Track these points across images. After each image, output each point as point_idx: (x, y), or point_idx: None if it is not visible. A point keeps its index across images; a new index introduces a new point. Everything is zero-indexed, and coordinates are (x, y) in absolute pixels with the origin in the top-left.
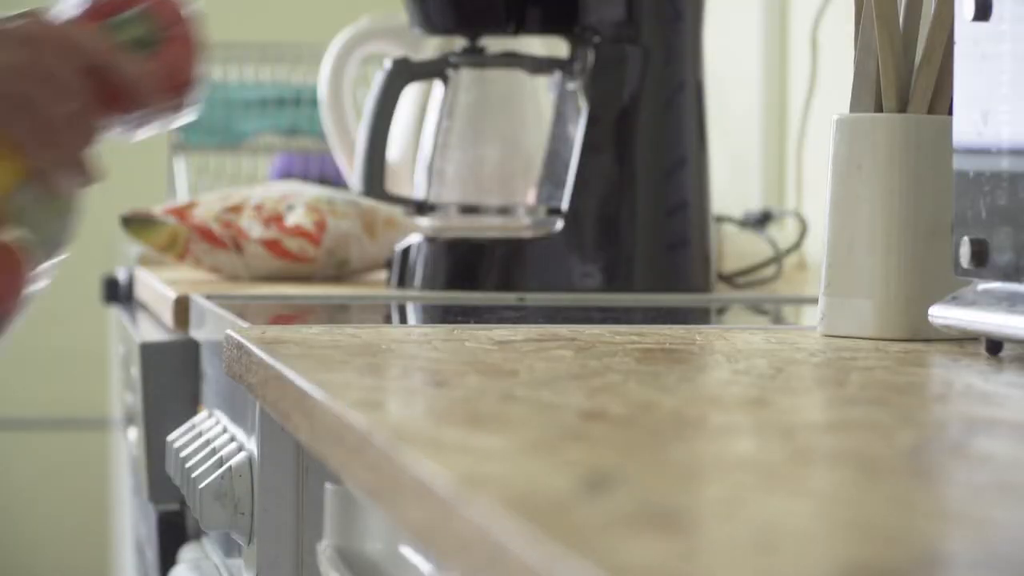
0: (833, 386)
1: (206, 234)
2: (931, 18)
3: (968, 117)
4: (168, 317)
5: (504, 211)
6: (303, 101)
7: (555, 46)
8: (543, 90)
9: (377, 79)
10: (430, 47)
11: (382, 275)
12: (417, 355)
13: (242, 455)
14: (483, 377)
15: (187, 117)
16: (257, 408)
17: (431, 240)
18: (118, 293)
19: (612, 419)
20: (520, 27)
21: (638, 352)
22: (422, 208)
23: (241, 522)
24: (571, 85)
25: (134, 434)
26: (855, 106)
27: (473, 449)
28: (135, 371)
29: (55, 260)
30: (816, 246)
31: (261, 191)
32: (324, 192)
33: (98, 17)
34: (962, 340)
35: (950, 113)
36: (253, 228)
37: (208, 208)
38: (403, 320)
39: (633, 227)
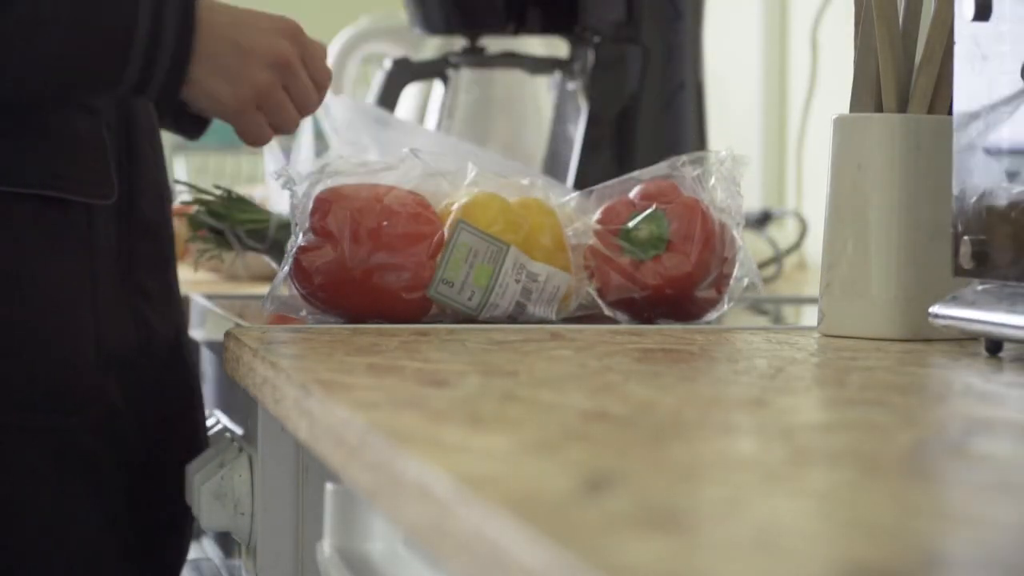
0: (833, 386)
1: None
2: (931, 18)
3: (968, 117)
4: None
5: None
6: None
7: (555, 46)
8: (543, 90)
9: (377, 79)
10: (430, 47)
11: None
12: (417, 355)
13: (242, 455)
14: (483, 377)
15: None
16: (257, 408)
17: None
18: None
19: (612, 419)
20: (520, 27)
21: (638, 352)
22: None
23: (241, 522)
24: (571, 85)
25: None
26: (855, 106)
27: (473, 449)
28: None
29: None
30: (816, 246)
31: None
32: None
33: (614, 218)
34: (962, 340)
35: (950, 113)
36: None
37: None
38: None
39: None
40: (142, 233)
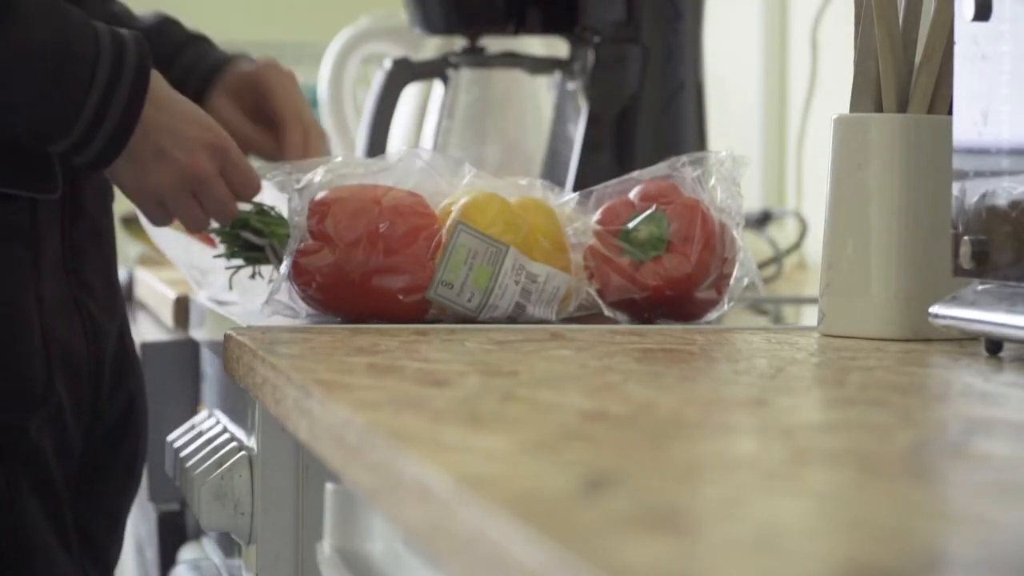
0: (833, 386)
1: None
2: (931, 18)
3: (968, 117)
4: (168, 317)
5: None
6: None
7: (555, 46)
8: (543, 90)
9: (377, 79)
10: (430, 47)
11: None
12: (417, 355)
13: (242, 455)
14: (483, 377)
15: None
16: (257, 408)
17: None
18: None
19: (612, 419)
20: (520, 27)
21: (638, 352)
22: None
23: (241, 522)
24: (571, 85)
25: None
26: (855, 106)
27: (473, 449)
28: None
29: None
30: (816, 246)
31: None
32: None
33: (614, 219)
34: (962, 340)
35: (950, 113)
36: None
37: None
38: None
39: None
40: (86, 231)
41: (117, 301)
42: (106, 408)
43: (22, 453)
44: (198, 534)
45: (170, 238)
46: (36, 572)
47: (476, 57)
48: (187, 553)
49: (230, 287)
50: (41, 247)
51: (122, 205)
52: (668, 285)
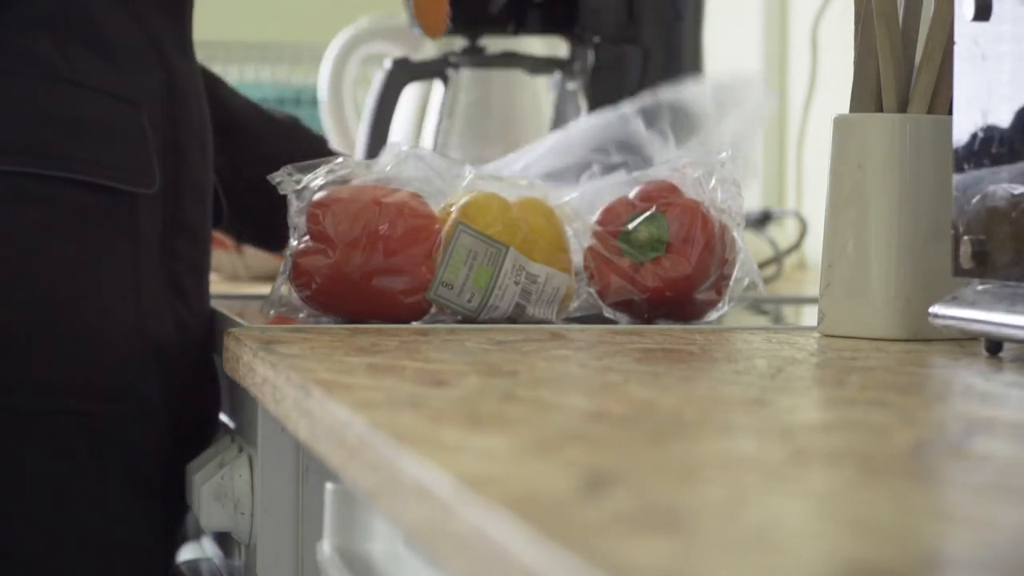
0: (833, 386)
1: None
2: (931, 18)
3: (968, 117)
4: None
5: None
6: (303, 101)
7: (555, 46)
8: (543, 90)
9: (377, 79)
10: (430, 47)
11: None
12: (417, 355)
13: (242, 455)
14: (483, 377)
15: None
16: (257, 408)
17: None
18: None
19: (612, 419)
20: (520, 27)
21: (638, 352)
22: None
23: (241, 522)
24: (571, 85)
25: None
26: (855, 106)
27: (473, 449)
28: None
29: None
30: (816, 246)
31: None
32: None
33: (614, 219)
34: (962, 340)
35: (950, 113)
36: None
37: None
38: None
39: None
40: (183, 233)
41: (205, 309)
42: (192, 409)
43: (114, 445)
44: (198, 534)
45: None
46: (128, 568)
47: (476, 57)
48: (187, 553)
49: None
50: (139, 243)
51: None
52: (668, 286)
